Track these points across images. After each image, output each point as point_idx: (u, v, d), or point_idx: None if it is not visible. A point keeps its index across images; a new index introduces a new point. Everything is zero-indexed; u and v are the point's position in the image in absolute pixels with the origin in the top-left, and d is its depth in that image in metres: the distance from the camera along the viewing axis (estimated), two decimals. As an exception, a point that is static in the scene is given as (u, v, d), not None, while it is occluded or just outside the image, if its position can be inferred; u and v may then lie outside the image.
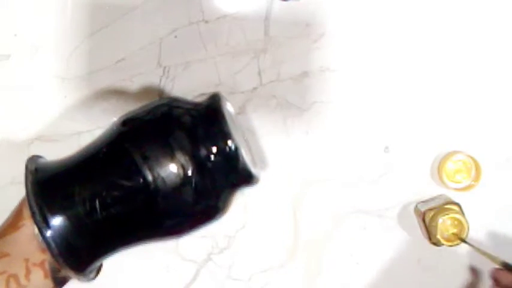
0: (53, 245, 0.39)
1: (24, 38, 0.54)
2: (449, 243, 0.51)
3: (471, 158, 0.53)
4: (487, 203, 0.55)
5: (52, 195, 0.40)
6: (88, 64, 0.54)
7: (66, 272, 0.40)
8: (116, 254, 0.43)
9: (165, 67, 0.55)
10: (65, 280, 0.42)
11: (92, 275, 0.43)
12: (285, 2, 0.54)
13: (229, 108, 0.44)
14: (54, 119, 0.55)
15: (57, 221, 0.39)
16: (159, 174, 0.39)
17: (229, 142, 0.40)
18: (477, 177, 0.54)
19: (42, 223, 0.39)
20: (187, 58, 0.55)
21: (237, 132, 0.43)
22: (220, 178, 0.41)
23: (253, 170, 0.42)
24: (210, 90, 0.54)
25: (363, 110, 0.55)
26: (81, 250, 0.40)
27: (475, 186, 0.54)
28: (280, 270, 0.55)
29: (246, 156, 0.42)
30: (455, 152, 0.54)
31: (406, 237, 0.55)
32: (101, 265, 0.44)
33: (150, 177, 0.39)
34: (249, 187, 0.43)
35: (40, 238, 0.39)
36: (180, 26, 0.54)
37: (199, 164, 0.40)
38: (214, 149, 0.40)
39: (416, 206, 0.55)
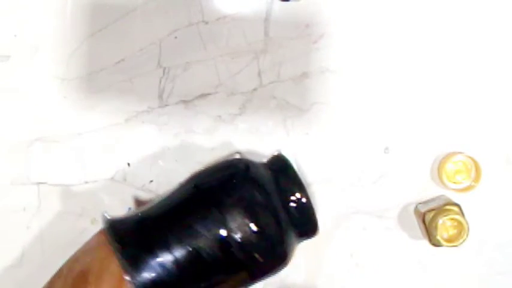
0: None
1: (24, 38, 0.54)
2: (449, 244, 0.51)
3: (471, 158, 0.53)
4: (487, 204, 0.55)
5: (137, 253, 0.43)
6: (88, 65, 0.54)
7: None
8: None
9: (165, 68, 0.54)
10: None
11: None
12: (285, 3, 0.54)
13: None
14: (54, 120, 0.55)
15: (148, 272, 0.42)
16: (237, 228, 0.42)
17: (303, 194, 0.45)
18: (477, 178, 0.54)
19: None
20: (187, 59, 0.54)
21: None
22: (292, 229, 0.46)
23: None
24: (210, 91, 0.55)
25: (363, 110, 0.55)
26: None
27: (475, 187, 0.54)
28: (280, 271, 0.55)
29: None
30: (455, 153, 0.54)
31: (406, 238, 0.55)
32: None
33: (225, 231, 0.42)
34: (310, 238, 0.48)
35: None
36: (180, 27, 0.54)
37: (275, 217, 0.44)
38: (289, 201, 0.45)
39: (416, 206, 0.55)
